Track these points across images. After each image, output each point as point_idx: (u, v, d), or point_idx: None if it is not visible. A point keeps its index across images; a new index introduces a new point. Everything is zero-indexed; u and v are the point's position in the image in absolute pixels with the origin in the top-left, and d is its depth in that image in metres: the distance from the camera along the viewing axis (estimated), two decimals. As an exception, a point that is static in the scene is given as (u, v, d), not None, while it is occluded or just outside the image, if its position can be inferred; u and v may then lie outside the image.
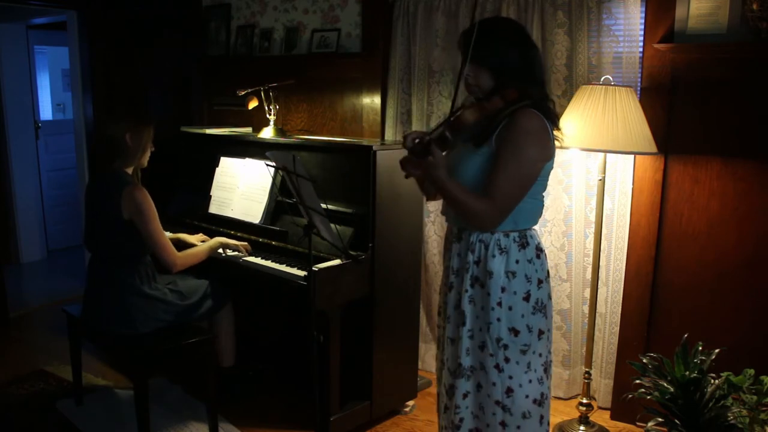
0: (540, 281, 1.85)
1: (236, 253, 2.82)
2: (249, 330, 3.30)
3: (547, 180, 1.87)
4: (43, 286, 4.81)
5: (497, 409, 1.84)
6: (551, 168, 1.85)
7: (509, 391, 1.83)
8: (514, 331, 1.82)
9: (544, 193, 1.90)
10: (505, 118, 1.75)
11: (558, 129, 1.86)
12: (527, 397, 1.84)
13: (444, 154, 1.73)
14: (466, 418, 1.92)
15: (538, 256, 1.85)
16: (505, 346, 1.82)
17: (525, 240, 1.83)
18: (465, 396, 1.90)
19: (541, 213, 1.91)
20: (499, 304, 1.81)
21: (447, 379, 1.96)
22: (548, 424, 1.91)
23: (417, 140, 1.70)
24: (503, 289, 1.81)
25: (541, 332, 1.85)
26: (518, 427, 1.85)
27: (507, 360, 1.83)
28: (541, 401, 1.86)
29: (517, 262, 1.82)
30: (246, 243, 2.86)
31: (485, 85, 1.78)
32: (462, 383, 1.89)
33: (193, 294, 2.76)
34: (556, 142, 1.87)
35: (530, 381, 1.84)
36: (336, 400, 2.66)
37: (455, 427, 1.93)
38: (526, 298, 1.82)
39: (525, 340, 1.82)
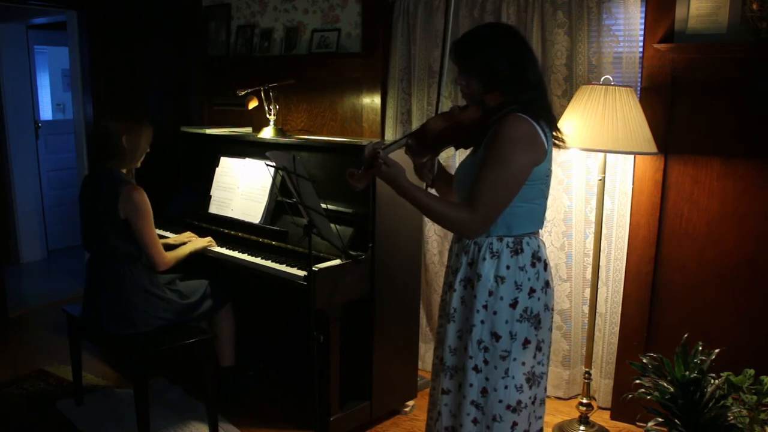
0: (532, 290, 1.81)
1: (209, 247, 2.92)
2: (249, 330, 3.30)
3: (544, 184, 1.83)
4: (43, 286, 4.81)
5: (471, 408, 1.85)
6: (547, 171, 1.82)
7: (484, 391, 1.84)
8: (496, 336, 1.80)
9: (544, 197, 1.87)
10: (494, 124, 1.75)
11: (558, 130, 1.84)
12: (500, 402, 1.83)
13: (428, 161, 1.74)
14: (444, 414, 1.94)
15: (533, 265, 1.82)
16: (486, 349, 1.82)
17: (519, 246, 1.80)
18: (444, 392, 1.93)
19: (542, 218, 1.88)
20: (485, 307, 1.81)
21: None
22: None
23: (372, 149, 1.71)
24: (490, 293, 1.80)
25: (527, 341, 1.82)
26: (487, 427, 1.85)
27: (486, 362, 1.82)
28: (515, 408, 1.84)
29: (507, 267, 1.80)
30: (209, 238, 2.95)
31: (477, 92, 1.79)
32: (445, 380, 1.92)
33: (193, 293, 2.76)
34: (560, 144, 1.85)
35: (506, 387, 1.82)
36: (336, 400, 2.66)
37: (434, 419, 1.99)
38: (513, 305, 1.80)
39: (505, 346, 1.81)
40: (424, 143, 1.77)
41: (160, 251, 2.64)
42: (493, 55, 1.74)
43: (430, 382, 2.09)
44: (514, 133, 1.70)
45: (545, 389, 1.95)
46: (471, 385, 1.84)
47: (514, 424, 1.85)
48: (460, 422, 1.89)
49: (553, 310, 1.92)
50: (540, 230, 1.89)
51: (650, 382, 2.21)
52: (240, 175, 3.11)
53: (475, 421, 1.86)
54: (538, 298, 1.83)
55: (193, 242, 2.92)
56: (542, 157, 1.76)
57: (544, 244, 1.90)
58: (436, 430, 1.98)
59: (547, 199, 1.88)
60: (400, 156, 1.88)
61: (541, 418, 1.95)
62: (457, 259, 1.90)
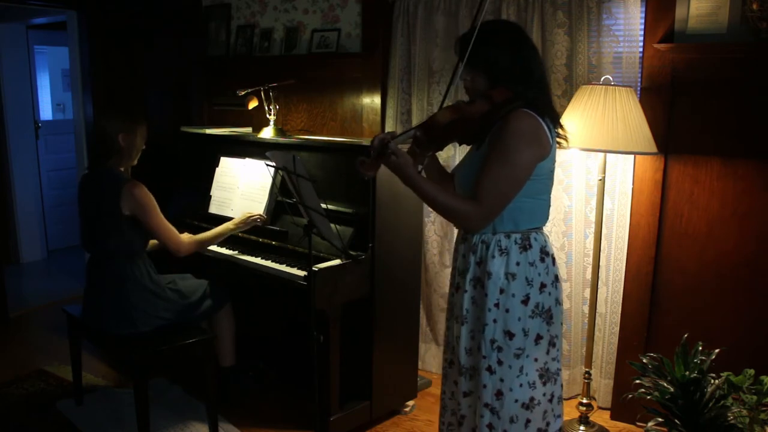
0: (543, 285, 1.81)
1: (255, 219, 2.85)
2: (249, 330, 3.30)
3: (549, 180, 1.84)
4: (43, 286, 4.81)
5: (485, 411, 1.83)
6: (551, 167, 1.83)
7: (499, 393, 1.81)
8: (509, 334, 1.79)
9: (548, 193, 1.88)
10: (499, 119, 1.75)
11: (561, 127, 1.85)
12: (516, 401, 1.81)
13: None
14: (468, 416, 1.92)
15: (542, 260, 1.82)
16: (499, 348, 1.80)
17: (528, 242, 1.81)
18: (465, 395, 1.91)
19: (547, 213, 1.88)
20: (497, 305, 1.80)
21: (455, 377, 1.97)
22: (538, 430, 1.87)
23: (382, 140, 1.70)
24: (501, 291, 1.79)
25: (539, 337, 1.81)
26: (504, 431, 1.83)
27: (500, 362, 1.81)
28: (528, 405, 1.83)
29: (517, 264, 1.79)
30: (259, 214, 2.86)
31: (481, 87, 1.78)
32: (463, 382, 1.90)
33: (193, 293, 2.76)
34: (562, 142, 1.86)
35: (521, 385, 1.81)
36: (336, 400, 2.66)
37: (458, 423, 1.95)
38: (525, 302, 1.79)
39: (519, 343, 1.80)
40: (431, 136, 1.75)
41: (174, 237, 2.63)
42: (498, 50, 1.74)
43: (441, 386, 2.06)
44: (520, 128, 1.71)
45: (561, 386, 1.93)
46: (485, 386, 1.82)
47: (528, 421, 1.83)
48: (474, 424, 1.87)
49: (562, 304, 1.91)
50: (544, 226, 1.89)
51: (650, 382, 2.21)
52: (240, 175, 3.11)
53: (490, 426, 1.83)
54: (549, 293, 1.83)
55: (224, 225, 2.82)
56: (547, 153, 1.76)
57: (548, 238, 1.90)
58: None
59: (550, 194, 1.88)
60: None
61: (560, 416, 1.93)
62: (464, 260, 1.88)
